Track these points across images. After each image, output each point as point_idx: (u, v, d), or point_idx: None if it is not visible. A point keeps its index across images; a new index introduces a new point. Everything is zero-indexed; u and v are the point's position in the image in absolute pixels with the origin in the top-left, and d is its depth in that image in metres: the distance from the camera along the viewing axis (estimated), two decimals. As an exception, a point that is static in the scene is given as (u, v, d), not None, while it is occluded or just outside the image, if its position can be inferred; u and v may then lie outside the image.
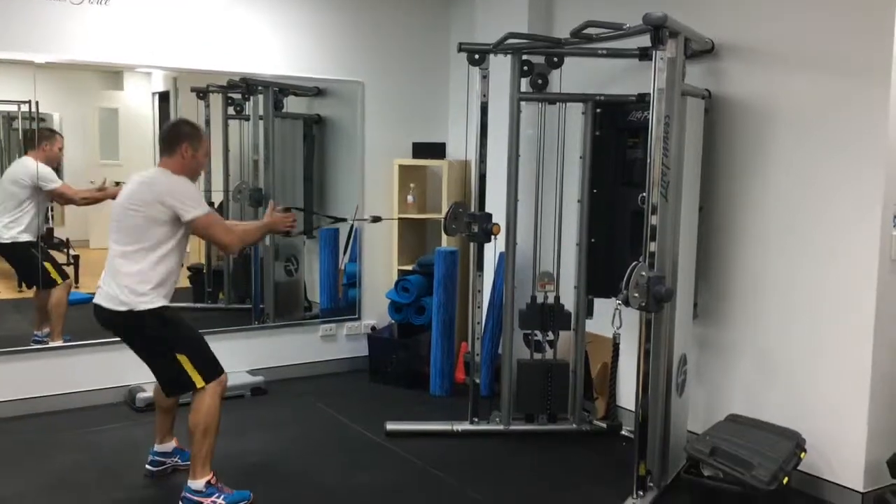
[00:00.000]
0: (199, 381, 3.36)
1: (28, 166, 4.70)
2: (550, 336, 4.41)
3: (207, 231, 3.43)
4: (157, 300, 3.33)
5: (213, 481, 3.38)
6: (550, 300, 4.35)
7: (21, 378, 4.54)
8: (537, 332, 4.39)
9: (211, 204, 5.26)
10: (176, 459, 3.75)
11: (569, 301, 4.37)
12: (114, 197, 4.68)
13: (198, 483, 3.36)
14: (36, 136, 4.71)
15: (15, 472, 3.80)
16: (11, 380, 4.51)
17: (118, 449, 4.06)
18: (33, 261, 4.71)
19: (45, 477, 3.74)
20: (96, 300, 3.41)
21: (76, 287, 5.16)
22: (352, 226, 5.46)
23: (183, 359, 3.35)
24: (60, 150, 4.79)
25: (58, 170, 4.92)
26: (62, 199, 4.91)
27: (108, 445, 4.11)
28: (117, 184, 4.99)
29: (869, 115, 3.40)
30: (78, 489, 3.62)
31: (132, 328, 3.37)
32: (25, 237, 4.71)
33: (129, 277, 3.30)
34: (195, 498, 3.36)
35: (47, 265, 4.75)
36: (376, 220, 4.84)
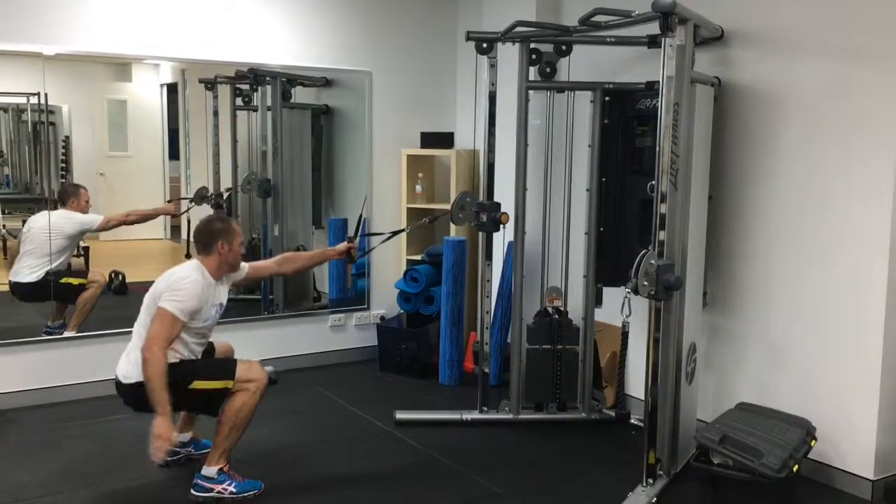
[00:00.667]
0: (227, 384, 3.35)
1: (73, 218, 4.81)
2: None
3: (157, 320, 3.29)
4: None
5: (225, 469, 3.41)
6: (559, 311, 4.38)
7: (35, 368, 4.57)
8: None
9: (218, 204, 5.34)
10: (190, 449, 3.78)
11: (577, 312, 4.38)
12: (169, 213, 5.30)
13: (211, 469, 3.39)
14: (64, 191, 4.89)
15: (30, 461, 3.83)
16: (25, 370, 4.54)
17: (131, 438, 4.08)
18: (51, 286, 4.75)
19: (59, 466, 3.77)
20: (116, 377, 3.46)
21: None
22: (360, 216, 5.47)
23: (197, 384, 3.34)
24: (87, 202, 4.91)
25: (66, 166, 5.02)
26: (110, 225, 5.01)
27: (121, 435, 4.14)
28: (169, 201, 5.38)
29: (879, 101, 3.38)
30: (91, 478, 3.65)
31: (143, 396, 3.31)
32: (43, 274, 4.77)
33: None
34: (206, 484, 3.39)
35: (65, 280, 4.80)
36: (433, 220, 4.74)
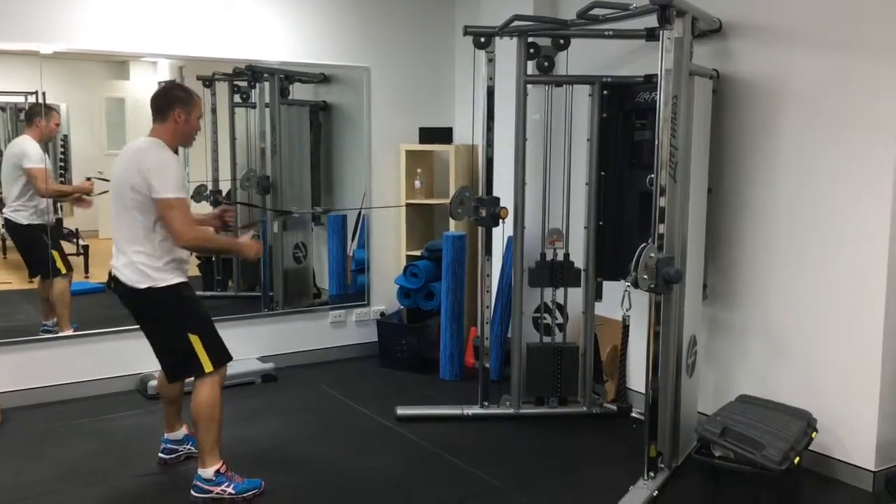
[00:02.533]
0: (207, 365, 3.35)
1: (18, 144, 4.70)
2: (560, 319, 4.41)
3: (169, 214, 3.21)
4: (175, 276, 3.32)
5: (222, 469, 3.40)
6: (559, 258, 4.34)
7: (33, 368, 4.57)
8: (546, 315, 4.39)
9: (217, 201, 5.30)
10: (188, 446, 3.77)
11: (578, 258, 4.35)
12: (86, 192, 4.84)
13: (207, 472, 3.38)
14: (33, 110, 4.67)
15: (29, 460, 3.83)
16: (24, 369, 4.55)
17: (131, 437, 4.09)
18: (42, 246, 4.71)
19: (58, 465, 3.77)
20: (115, 274, 3.38)
21: (86, 277, 5.19)
22: (359, 212, 5.47)
23: (195, 339, 3.33)
24: (57, 125, 4.74)
25: (65, 166, 4.96)
26: (33, 181, 4.73)
27: (121, 433, 4.14)
28: (88, 179, 5.04)
29: (879, 93, 3.37)
30: (92, 477, 3.65)
31: (149, 305, 3.35)
32: (37, 220, 4.72)
33: (139, 255, 3.29)
34: (205, 486, 3.38)
35: (55, 253, 4.76)
36: None
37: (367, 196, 5.54)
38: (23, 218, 4.71)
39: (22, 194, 4.69)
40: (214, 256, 5.56)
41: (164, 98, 3.37)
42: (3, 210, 4.75)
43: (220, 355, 3.41)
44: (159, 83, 5.37)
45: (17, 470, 3.72)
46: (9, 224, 4.76)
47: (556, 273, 4.34)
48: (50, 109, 4.74)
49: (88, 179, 5.05)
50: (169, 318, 3.38)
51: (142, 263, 3.29)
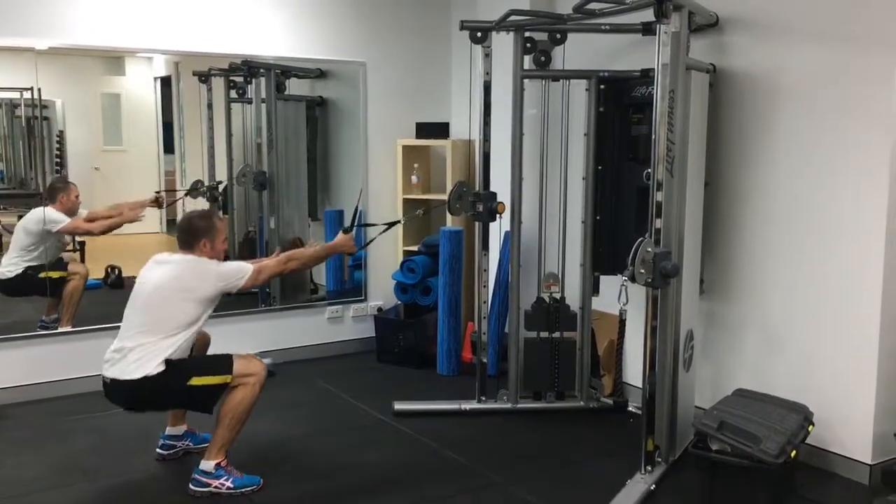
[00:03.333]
0: (225, 378, 3.34)
1: (38, 213, 4.75)
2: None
3: (247, 278, 3.46)
4: (159, 366, 3.30)
5: (223, 464, 3.40)
6: (556, 300, 4.37)
7: (31, 363, 4.57)
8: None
9: (213, 197, 5.32)
10: (187, 443, 3.77)
11: (574, 300, 4.38)
12: (130, 220, 5.01)
13: (208, 464, 3.39)
14: (53, 187, 4.84)
15: (27, 456, 3.83)
16: (22, 365, 4.54)
17: (129, 432, 4.08)
18: (36, 281, 4.76)
19: (57, 461, 3.77)
20: (107, 374, 3.36)
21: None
22: (356, 207, 5.46)
23: (195, 380, 3.33)
24: (77, 197, 4.86)
25: (60, 161, 4.96)
26: (75, 233, 4.97)
27: (119, 429, 4.13)
28: (158, 196, 5.28)
29: (875, 86, 3.37)
30: (90, 472, 3.65)
31: (145, 394, 3.33)
32: (23, 266, 4.77)
33: (150, 352, 3.29)
34: (204, 479, 3.39)
35: (45, 275, 4.78)
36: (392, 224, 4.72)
37: (364, 191, 5.53)
38: (9, 272, 4.75)
39: (23, 251, 4.76)
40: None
41: (188, 232, 3.49)
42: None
43: (222, 365, 3.39)
44: (155, 78, 5.39)
45: (16, 465, 3.71)
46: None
47: (553, 316, 4.36)
48: (67, 184, 4.86)
49: (156, 198, 5.31)
50: (169, 390, 3.36)
51: (143, 360, 3.29)
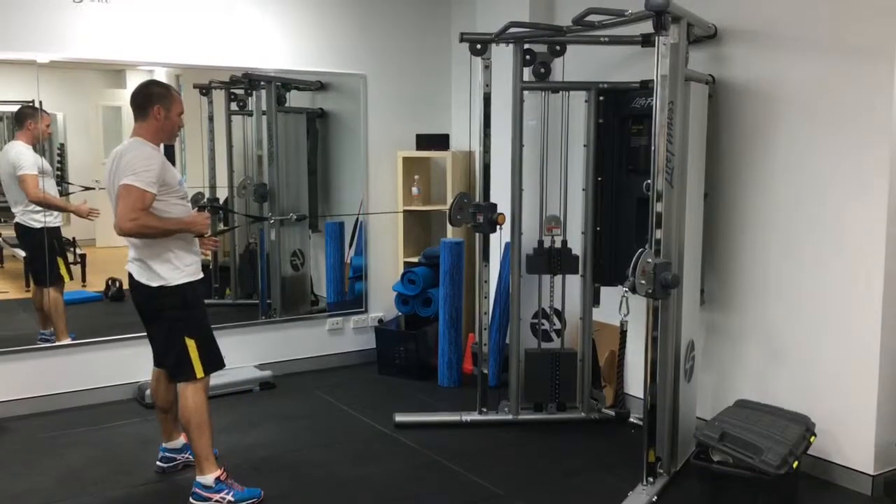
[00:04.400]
0: (199, 371, 3.37)
1: (11, 150, 4.66)
2: (557, 325, 4.41)
3: (121, 199, 3.18)
4: (179, 276, 3.33)
5: (222, 477, 3.40)
6: (557, 245, 4.35)
7: (31, 376, 4.56)
8: (544, 321, 4.39)
9: (214, 209, 5.29)
10: (187, 455, 3.76)
11: (576, 246, 4.35)
12: (82, 215, 4.87)
13: (207, 478, 3.38)
14: (23, 114, 4.64)
15: (28, 469, 3.82)
16: (22, 378, 4.53)
17: (129, 445, 4.08)
18: (52, 251, 4.70)
19: (56, 474, 3.76)
20: (128, 269, 3.40)
21: (83, 286, 5.18)
22: (357, 219, 5.47)
23: (190, 344, 3.36)
24: (48, 126, 4.68)
25: (61, 173, 4.95)
26: (23, 185, 4.67)
27: (120, 442, 4.13)
28: (85, 201, 5.02)
29: (872, 96, 3.38)
30: (90, 485, 3.64)
31: (154, 303, 3.37)
32: (52, 223, 4.70)
33: (147, 253, 3.30)
34: (204, 494, 3.38)
35: (59, 260, 4.76)
36: None
37: (365, 203, 5.54)
38: (36, 222, 4.68)
39: (24, 199, 4.67)
40: (211, 264, 5.55)
41: (142, 96, 3.36)
42: (16, 216, 4.72)
43: (213, 363, 3.43)
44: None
45: (15, 479, 3.70)
46: (22, 228, 4.73)
47: (554, 260, 4.34)
48: (35, 111, 4.66)
49: (85, 202, 5.04)
50: (170, 320, 3.39)
51: (152, 263, 3.31)
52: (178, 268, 3.34)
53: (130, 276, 3.42)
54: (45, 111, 4.72)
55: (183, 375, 3.42)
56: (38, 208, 4.65)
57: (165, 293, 3.33)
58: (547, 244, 4.35)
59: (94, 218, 4.98)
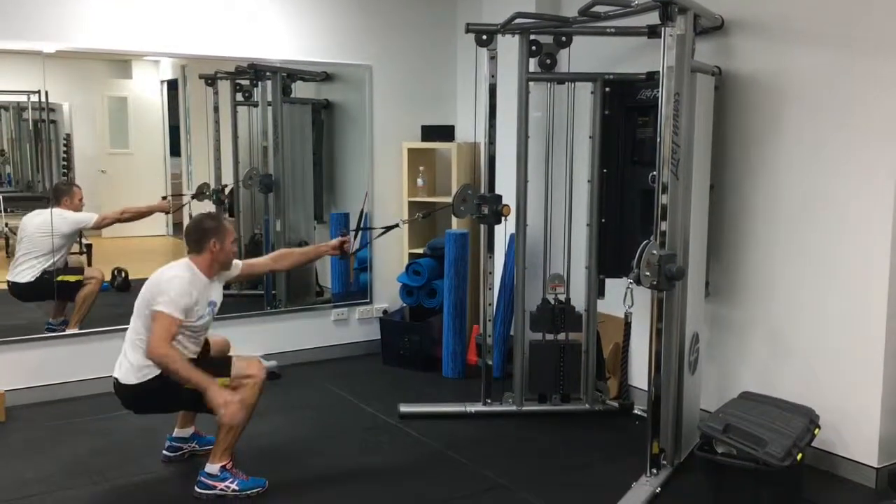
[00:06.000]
0: (223, 382, 3.36)
1: (67, 217, 4.77)
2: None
3: (154, 324, 3.32)
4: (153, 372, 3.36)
5: (228, 466, 3.41)
6: (562, 301, 4.37)
7: (38, 365, 4.58)
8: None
9: (220, 200, 5.33)
10: (193, 445, 3.78)
11: (579, 302, 4.37)
12: (164, 211, 5.15)
13: (214, 467, 3.40)
14: (58, 189, 4.84)
15: (33, 457, 3.84)
16: (28, 367, 4.56)
17: (135, 434, 4.09)
18: (51, 285, 4.75)
19: (63, 462, 3.78)
20: (115, 373, 3.48)
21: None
22: (362, 210, 5.47)
23: (186, 390, 3.34)
24: (80, 200, 4.86)
25: (67, 164, 5.00)
26: (106, 222, 4.98)
27: (125, 431, 4.15)
28: (164, 198, 5.25)
29: (880, 89, 3.37)
30: (96, 474, 3.66)
31: (142, 397, 3.42)
32: (38, 274, 4.76)
33: (137, 360, 3.37)
34: (209, 482, 3.40)
35: (64, 278, 4.79)
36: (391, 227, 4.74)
37: (370, 194, 5.54)
38: (28, 276, 4.74)
39: (42, 256, 4.74)
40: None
41: (197, 232, 3.49)
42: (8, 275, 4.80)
43: (220, 367, 3.41)
44: (161, 82, 5.41)
45: (21, 468, 3.73)
46: (14, 286, 4.78)
47: (558, 317, 4.36)
48: (71, 186, 4.87)
49: (164, 198, 5.30)
50: (166, 392, 3.40)
51: (135, 367, 3.38)
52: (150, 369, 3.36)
53: (115, 381, 3.47)
54: (76, 186, 4.89)
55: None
56: (41, 259, 4.74)
57: (141, 387, 3.37)
58: (551, 301, 4.36)
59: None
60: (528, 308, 4.38)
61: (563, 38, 4.27)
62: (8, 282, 4.78)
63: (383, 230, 4.49)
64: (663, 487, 3.44)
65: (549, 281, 4.38)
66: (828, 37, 3.56)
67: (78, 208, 4.85)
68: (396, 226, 4.58)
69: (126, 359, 3.43)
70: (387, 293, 5.70)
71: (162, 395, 3.38)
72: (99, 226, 4.94)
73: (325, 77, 5.57)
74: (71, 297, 4.82)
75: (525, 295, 4.36)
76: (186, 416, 3.77)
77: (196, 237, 3.48)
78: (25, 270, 4.74)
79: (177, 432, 3.78)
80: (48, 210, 4.73)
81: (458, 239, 5.12)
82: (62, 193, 4.83)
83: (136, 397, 3.42)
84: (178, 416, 3.77)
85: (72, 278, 4.82)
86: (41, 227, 4.73)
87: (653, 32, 3.94)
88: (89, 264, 5.13)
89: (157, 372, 3.33)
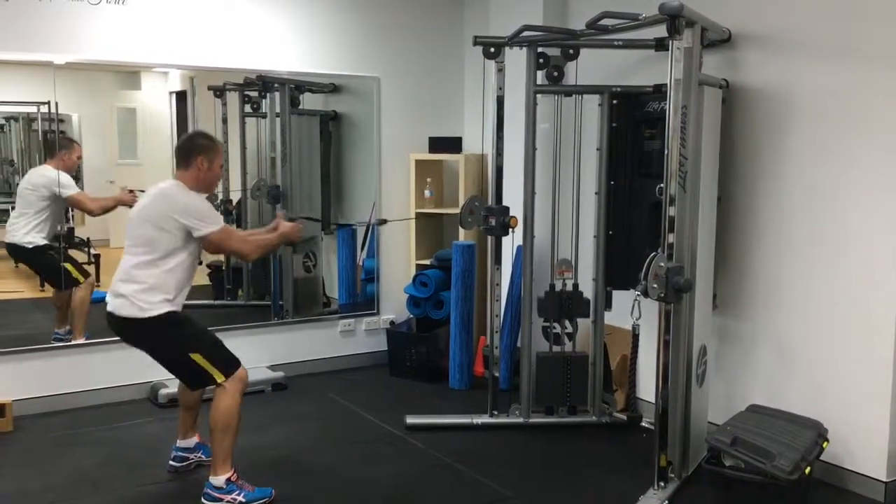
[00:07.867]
0: (218, 377, 3.38)
1: (47, 175, 4.73)
2: (569, 328, 4.41)
3: (223, 245, 3.49)
4: (164, 307, 3.34)
5: (233, 478, 3.40)
6: (569, 288, 4.35)
7: (45, 375, 4.59)
8: (556, 324, 4.39)
9: (227, 211, 5.33)
10: (199, 455, 3.78)
11: (587, 288, 4.36)
12: (128, 204, 4.72)
13: (218, 479, 3.39)
14: (56, 142, 4.75)
15: (40, 467, 3.85)
16: (35, 377, 4.56)
17: (141, 445, 4.10)
18: (54, 263, 4.76)
19: (69, 472, 3.78)
20: (109, 308, 3.42)
21: (97, 286, 5.20)
22: (369, 222, 5.49)
23: (197, 357, 3.37)
24: (79, 158, 4.81)
25: (77, 176, 4.99)
26: (77, 206, 4.92)
27: (132, 441, 4.15)
28: (131, 191, 4.98)
29: (887, 99, 3.37)
30: (102, 484, 3.66)
31: (141, 335, 3.40)
32: (43, 241, 4.75)
33: (139, 286, 3.33)
34: (215, 494, 3.39)
35: (68, 266, 4.79)
36: (381, 222, 4.83)
37: (377, 205, 5.55)
38: (28, 243, 4.73)
39: (39, 221, 4.73)
40: (224, 265, 5.58)
41: (188, 145, 3.49)
42: (6, 236, 4.77)
43: (228, 365, 3.43)
44: (170, 93, 5.44)
45: (28, 477, 3.73)
46: (13, 248, 4.78)
47: (565, 303, 4.35)
48: (72, 142, 4.82)
49: (131, 191, 5.01)
50: (164, 344, 3.42)
51: (137, 295, 3.32)
52: (154, 302, 3.33)
53: (111, 314, 3.40)
54: (75, 141, 4.82)
55: (204, 384, 3.48)
56: (43, 229, 4.71)
57: (145, 323, 3.33)
58: (558, 287, 4.35)
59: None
60: (535, 324, 4.37)
61: (571, 51, 4.28)
62: (5, 243, 4.76)
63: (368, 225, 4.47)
64: (671, 500, 3.43)
65: (556, 266, 4.35)
66: (835, 49, 3.56)
67: (73, 166, 4.75)
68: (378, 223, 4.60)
69: (121, 289, 3.35)
70: (394, 304, 5.71)
71: (166, 343, 3.40)
72: (74, 201, 4.80)
73: (333, 88, 5.59)
74: (61, 286, 4.76)
75: (532, 307, 4.35)
76: (187, 425, 3.76)
77: (185, 151, 3.46)
78: (27, 235, 4.70)
79: (180, 443, 3.77)
80: (44, 165, 4.69)
81: (466, 250, 5.13)
82: (60, 147, 4.69)
83: (145, 334, 3.38)
84: (179, 427, 3.77)
85: (74, 271, 4.77)
86: (30, 183, 4.72)
87: (660, 45, 3.96)
88: (97, 274, 5.14)
89: (166, 309, 3.33)
